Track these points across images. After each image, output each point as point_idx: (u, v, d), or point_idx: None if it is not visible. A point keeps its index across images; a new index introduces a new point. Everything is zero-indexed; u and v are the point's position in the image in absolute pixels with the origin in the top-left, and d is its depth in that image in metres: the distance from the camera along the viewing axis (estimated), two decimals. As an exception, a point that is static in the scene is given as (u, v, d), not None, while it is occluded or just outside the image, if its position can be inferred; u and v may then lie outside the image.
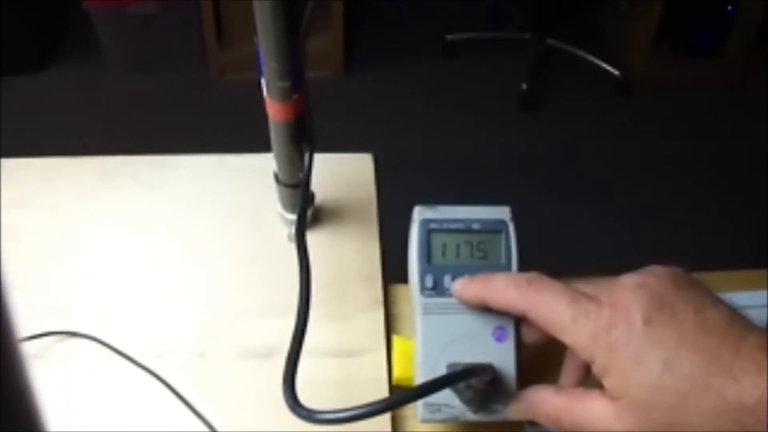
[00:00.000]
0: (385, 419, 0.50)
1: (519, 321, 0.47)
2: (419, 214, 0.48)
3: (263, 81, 0.50)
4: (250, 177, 0.67)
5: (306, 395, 0.41)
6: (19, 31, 2.05)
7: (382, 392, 0.52)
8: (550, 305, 0.41)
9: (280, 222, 0.63)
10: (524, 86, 2.11)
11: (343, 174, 0.67)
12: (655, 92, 2.16)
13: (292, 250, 0.52)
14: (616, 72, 2.15)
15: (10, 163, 0.66)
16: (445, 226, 0.48)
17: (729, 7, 2.07)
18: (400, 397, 0.41)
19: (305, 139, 0.51)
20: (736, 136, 2.06)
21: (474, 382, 0.43)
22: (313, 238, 0.61)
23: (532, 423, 0.52)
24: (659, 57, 2.16)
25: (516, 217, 0.48)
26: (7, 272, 0.20)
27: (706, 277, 0.46)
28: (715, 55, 2.16)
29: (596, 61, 2.18)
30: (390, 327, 0.57)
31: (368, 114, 2.07)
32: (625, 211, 1.85)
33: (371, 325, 0.55)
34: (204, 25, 2.08)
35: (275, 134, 0.52)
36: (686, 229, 1.79)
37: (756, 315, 0.43)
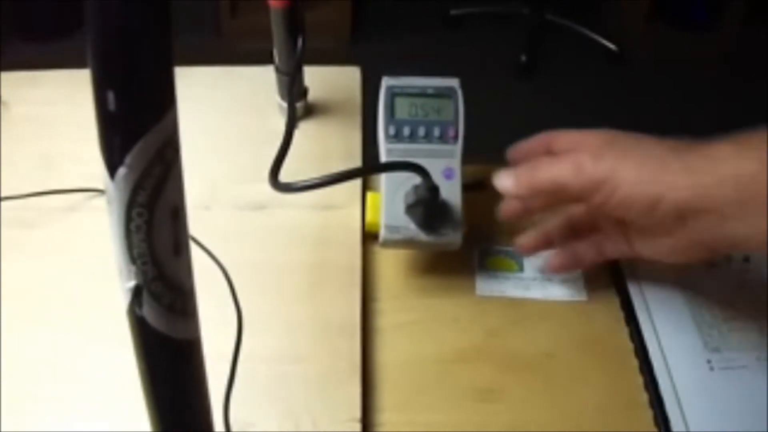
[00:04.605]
0: (355, 249, 0.61)
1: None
2: (386, 82, 0.59)
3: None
4: (253, 84, 0.78)
5: (287, 239, 0.56)
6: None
7: (356, 239, 0.63)
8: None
9: (279, 115, 0.74)
10: (523, 58, 2.21)
11: (333, 81, 0.79)
12: (649, 64, 2.25)
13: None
14: (611, 45, 2.25)
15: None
16: (406, 90, 0.59)
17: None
18: (366, 167, 0.52)
19: (298, 26, 0.63)
20: (727, 107, 2.14)
21: (420, 186, 0.53)
22: (302, 127, 0.72)
23: (482, 266, 0.63)
24: (653, 30, 2.26)
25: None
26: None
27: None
28: (708, 28, 2.25)
29: (592, 34, 2.28)
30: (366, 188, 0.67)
31: (374, 82, 2.17)
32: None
33: (350, 186, 0.66)
34: (218, -8, 2.19)
35: (275, 23, 0.63)
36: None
37: None
